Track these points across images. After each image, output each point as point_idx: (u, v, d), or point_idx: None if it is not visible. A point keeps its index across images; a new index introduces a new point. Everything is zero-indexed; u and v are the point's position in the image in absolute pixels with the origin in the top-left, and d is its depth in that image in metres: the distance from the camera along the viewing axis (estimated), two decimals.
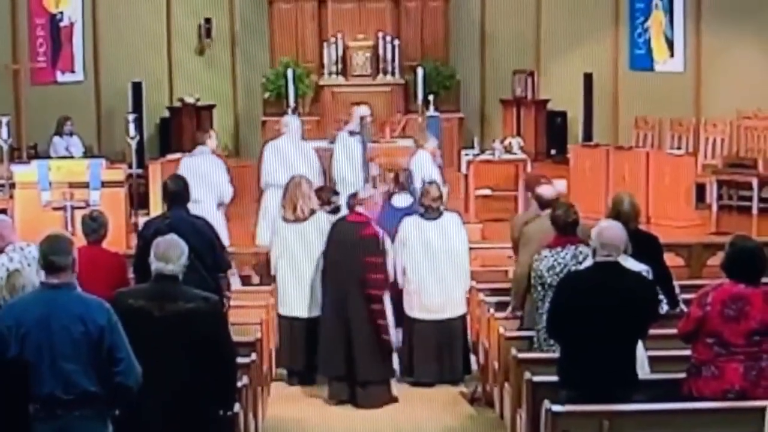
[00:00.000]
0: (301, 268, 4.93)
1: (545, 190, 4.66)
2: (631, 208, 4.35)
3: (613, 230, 3.54)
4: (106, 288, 3.50)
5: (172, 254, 3.18)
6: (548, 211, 4.40)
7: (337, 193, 5.41)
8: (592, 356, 3.41)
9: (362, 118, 6.47)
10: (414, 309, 4.94)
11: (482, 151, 7.96)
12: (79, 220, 4.58)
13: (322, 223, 4.93)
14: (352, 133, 6.35)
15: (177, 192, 4.46)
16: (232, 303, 4.58)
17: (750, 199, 7.64)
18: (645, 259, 3.93)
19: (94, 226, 4.28)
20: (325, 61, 9.30)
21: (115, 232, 4.74)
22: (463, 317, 5.02)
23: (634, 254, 3.87)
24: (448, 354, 4.91)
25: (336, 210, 5.15)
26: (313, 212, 4.94)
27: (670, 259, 5.00)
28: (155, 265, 3.19)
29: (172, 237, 3.28)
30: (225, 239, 5.13)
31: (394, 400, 4.71)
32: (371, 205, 4.80)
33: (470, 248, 5.11)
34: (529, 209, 4.90)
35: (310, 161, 6.13)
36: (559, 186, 4.98)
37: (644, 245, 4.14)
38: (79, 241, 3.74)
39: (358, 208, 4.80)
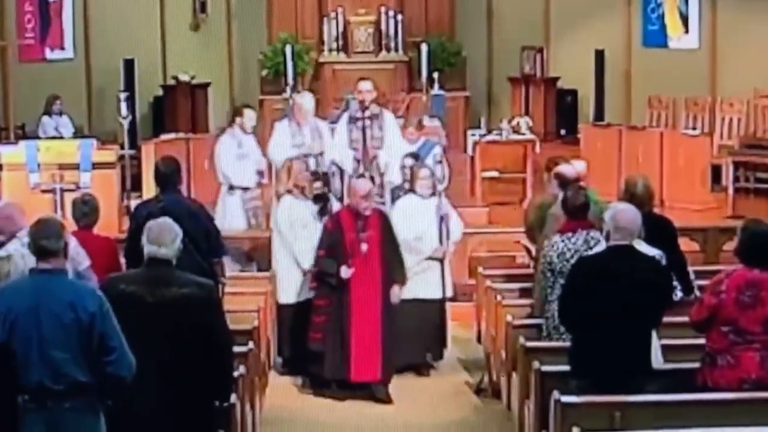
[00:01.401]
0: (276, 250, 4.87)
1: (566, 169, 4.49)
2: (644, 190, 4.26)
3: (629, 214, 3.48)
4: (97, 274, 3.38)
5: (165, 238, 3.10)
6: None
7: (318, 179, 5.06)
8: (604, 344, 3.36)
9: (361, 101, 5.88)
10: None
11: (489, 132, 7.83)
12: (69, 203, 4.50)
13: (281, 208, 4.81)
14: (352, 119, 5.87)
15: (168, 174, 4.32)
16: (228, 289, 4.45)
17: None
18: (659, 244, 3.84)
19: (85, 209, 4.18)
20: (325, 37, 9.12)
21: (106, 215, 4.65)
22: (440, 302, 4.86)
23: (648, 239, 3.79)
24: (407, 337, 4.72)
25: (319, 198, 4.89)
26: (280, 196, 4.86)
27: (684, 243, 4.91)
28: (148, 249, 3.10)
29: (165, 220, 3.21)
30: (238, 223, 5.15)
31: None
32: (351, 193, 4.58)
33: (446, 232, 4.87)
34: (546, 192, 4.67)
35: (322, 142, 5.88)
36: (579, 167, 4.78)
37: (658, 229, 4.05)
38: (69, 225, 3.61)
39: (346, 198, 4.71)
